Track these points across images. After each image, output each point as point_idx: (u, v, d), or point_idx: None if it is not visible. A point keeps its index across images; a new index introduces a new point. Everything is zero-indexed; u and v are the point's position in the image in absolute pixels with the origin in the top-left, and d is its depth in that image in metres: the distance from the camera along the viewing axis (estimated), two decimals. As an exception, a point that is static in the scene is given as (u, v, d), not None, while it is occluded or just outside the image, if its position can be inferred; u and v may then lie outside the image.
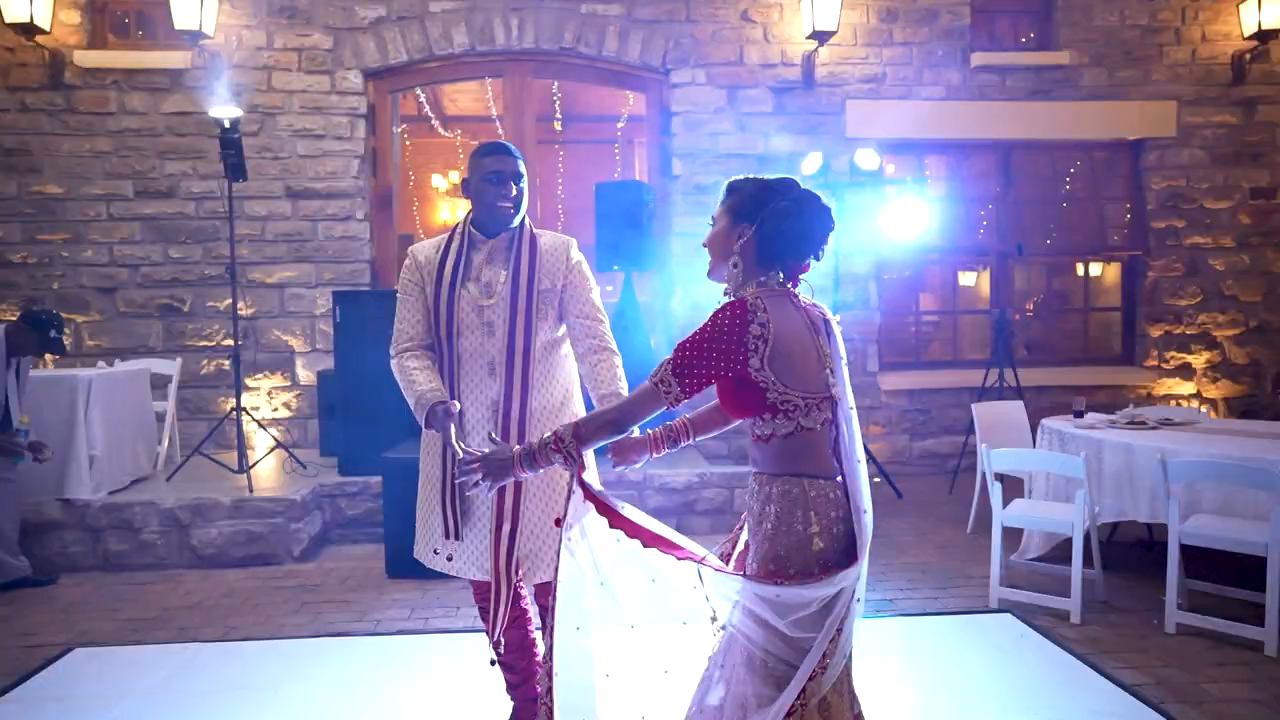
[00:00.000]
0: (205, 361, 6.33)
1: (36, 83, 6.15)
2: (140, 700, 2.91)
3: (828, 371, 1.70)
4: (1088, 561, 3.68)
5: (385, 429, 4.90)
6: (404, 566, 4.32)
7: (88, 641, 3.49)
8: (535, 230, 2.49)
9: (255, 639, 3.50)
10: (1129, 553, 4.49)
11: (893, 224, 5.70)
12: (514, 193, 2.37)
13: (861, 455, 1.74)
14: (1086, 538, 3.62)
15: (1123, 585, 4.00)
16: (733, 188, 1.82)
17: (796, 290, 1.77)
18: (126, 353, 6.21)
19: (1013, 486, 4.65)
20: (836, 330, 1.80)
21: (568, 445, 1.73)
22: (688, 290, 6.55)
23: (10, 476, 4.07)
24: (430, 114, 8.59)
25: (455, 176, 10.08)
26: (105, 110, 6.21)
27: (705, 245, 1.83)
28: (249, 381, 6.31)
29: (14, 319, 4.12)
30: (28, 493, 4.37)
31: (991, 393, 5.87)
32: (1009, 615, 3.67)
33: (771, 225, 1.70)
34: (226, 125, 5.02)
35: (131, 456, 4.96)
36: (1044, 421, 4.57)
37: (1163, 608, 3.48)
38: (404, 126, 8.45)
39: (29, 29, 5.88)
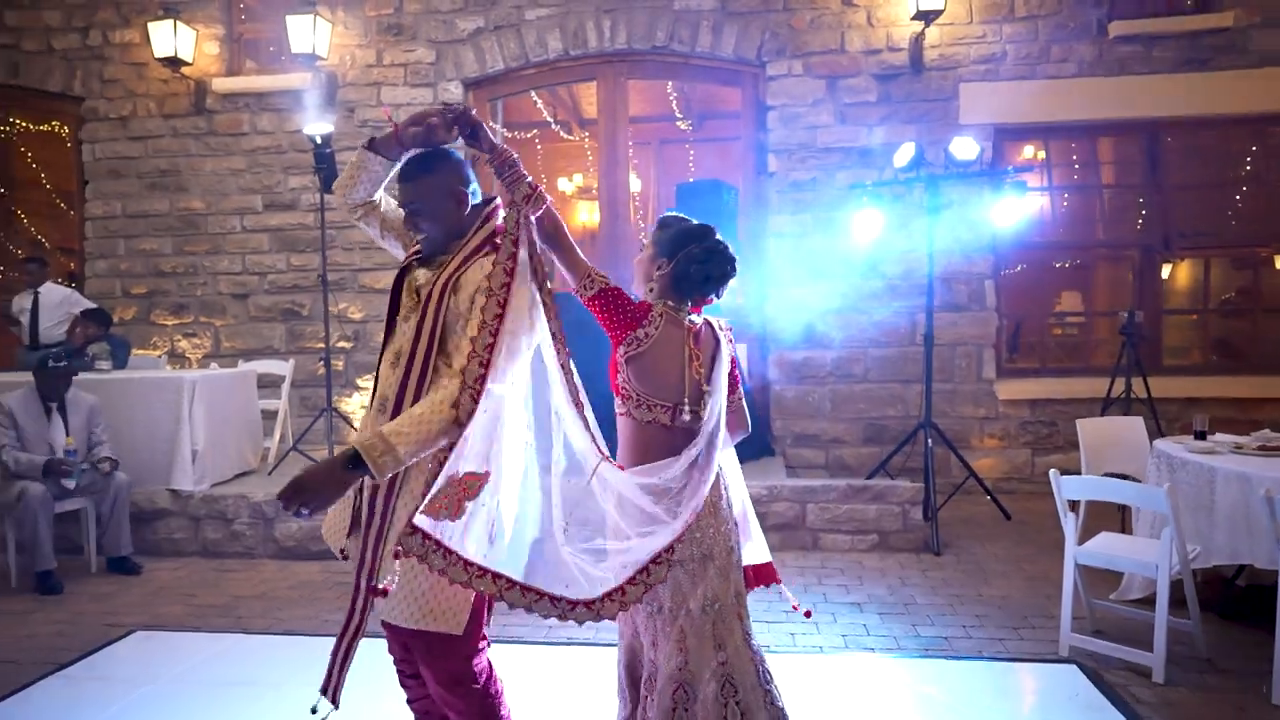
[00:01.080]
0: (320, 363, 6.77)
1: (184, 110, 6.82)
2: (164, 685, 3.13)
3: (691, 386, 2.08)
4: (1185, 609, 3.16)
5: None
6: (458, 568, 4.42)
7: (152, 625, 3.80)
8: None
9: (294, 633, 3.68)
10: (1258, 602, 3.81)
11: (1004, 217, 5.16)
12: None
13: (723, 439, 2.12)
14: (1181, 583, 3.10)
15: (1236, 641, 3.40)
16: (664, 223, 2.19)
17: (702, 311, 2.17)
18: (254, 354, 6.75)
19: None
20: (726, 348, 2.19)
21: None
22: (785, 291, 6.27)
23: (54, 492, 4.33)
24: (549, 118, 8.75)
25: (580, 179, 10.23)
26: (239, 131, 6.78)
27: (634, 263, 2.22)
28: (360, 381, 6.70)
29: (41, 368, 4.44)
30: (141, 483, 4.84)
31: (1119, 405, 5.20)
32: (1074, 667, 3.21)
33: (683, 267, 2.08)
34: (319, 140, 5.32)
35: (236, 451, 5.38)
36: (1156, 443, 3.97)
37: (1269, 672, 2.92)
38: (535, 132, 8.70)
39: (175, 62, 6.53)
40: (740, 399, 2.25)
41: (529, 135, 8.80)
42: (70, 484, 4.30)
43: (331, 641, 1.93)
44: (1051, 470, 3.36)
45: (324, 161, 5.36)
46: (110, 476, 4.49)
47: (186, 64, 6.61)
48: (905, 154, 5.20)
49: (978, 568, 4.48)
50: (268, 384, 6.40)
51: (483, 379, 1.74)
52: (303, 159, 6.71)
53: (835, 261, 6.12)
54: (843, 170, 6.20)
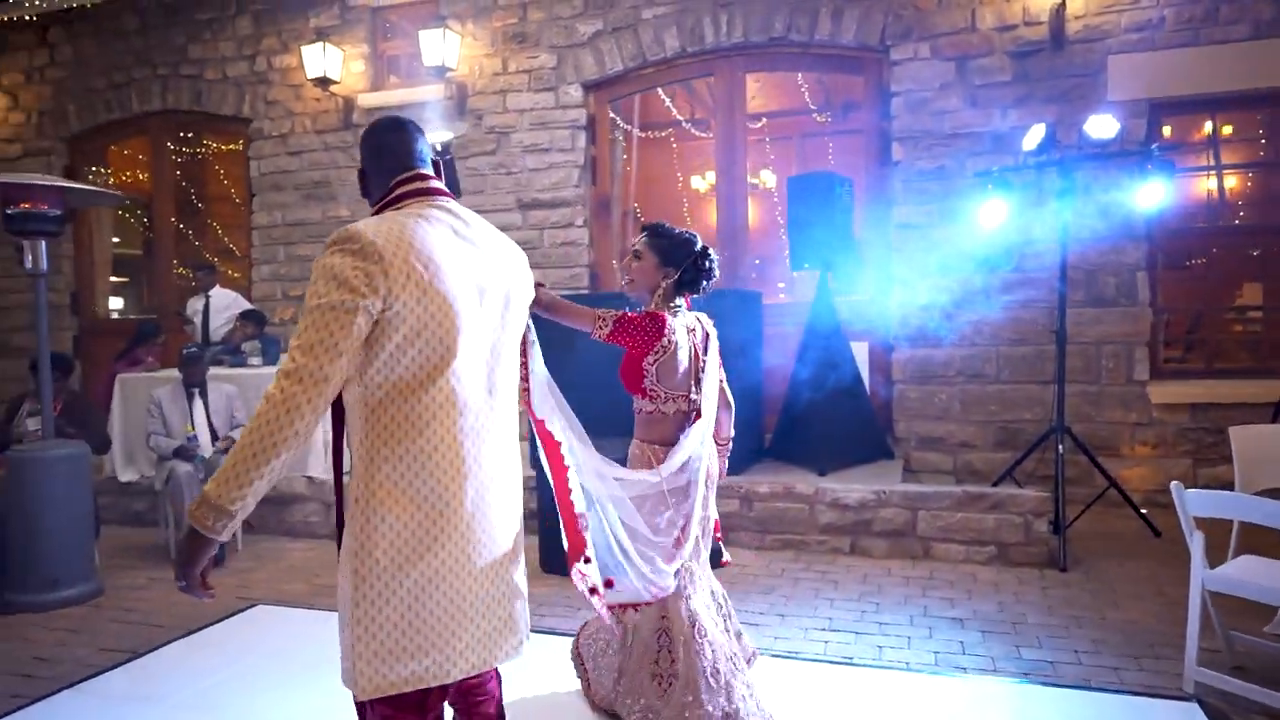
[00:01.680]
0: (452, 359, 7.12)
1: (334, 125, 7.36)
2: (264, 657, 3.39)
3: (695, 373, 2.55)
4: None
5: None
6: (555, 562, 4.52)
7: (273, 600, 4.14)
8: None
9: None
10: None
11: (1153, 200, 4.65)
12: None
13: (709, 422, 2.58)
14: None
15: None
16: (657, 232, 2.56)
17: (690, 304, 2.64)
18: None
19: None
20: (714, 342, 2.66)
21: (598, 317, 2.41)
22: (910, 286, 5.96)
23: (200, 474, 4.73)
24: (680, 118, 8.76)
25: (714, 177, 10.17)
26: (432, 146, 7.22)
27: (632, 276, 2.56)
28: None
29: (180, 357, 4.89)
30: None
31: (1294, 412, 4.56)
32: (1196, 705, 2.85)
33: (690, 274, 2.54)
34: (439, 147, 5.58)
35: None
36: (1321, 455, 3.46)
37: None
38: (670, 130, 8.75)
39: (325, 81, 7.06)
40: (724, 379, 2.72)
41: (663, 134, 8.85)
42: (189, 466, 4.74)
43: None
44: (1174, 483, 3.00)
45: (446, 168, 5.60)
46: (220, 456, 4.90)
47: (335, 82, 7.14)
48: (1035, 136, 4.80)
49: (1107, 588, 4.07)
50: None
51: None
52: (455, 167, 7.06)
53: (964, 254, 5.75)
54: (973, 157, 5.81)
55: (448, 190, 1.80)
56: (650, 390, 2.50)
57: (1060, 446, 4.72)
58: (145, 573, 4.71)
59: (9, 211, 4.04)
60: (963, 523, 4.55)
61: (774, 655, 3.37)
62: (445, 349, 1.59)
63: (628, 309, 2.48)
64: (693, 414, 2.57)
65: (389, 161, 1.76)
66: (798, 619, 3.78)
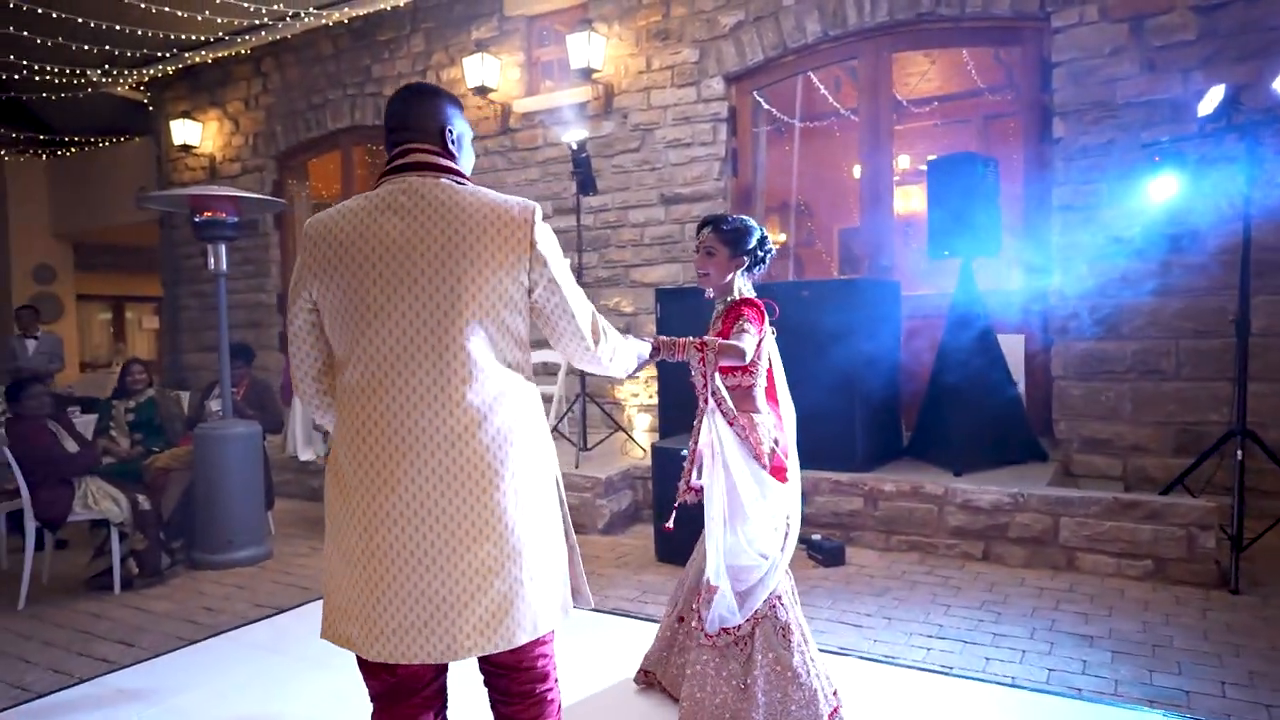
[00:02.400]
0: (599, 352, 7.33)
1: (493, 131, 7.80)
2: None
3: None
4: None
5: (689, 411, 5.18)
6: (672, 551, 4.57)
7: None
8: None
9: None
10: None
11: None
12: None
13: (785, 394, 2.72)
14: None
15: None
16: (721, 224, 2.65)
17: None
18: (545, 344, 7.51)
19: None
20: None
21: (710, 350, 2.35)
22: (1073, 273, 5.45)
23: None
24: (839, 106, 8.51)
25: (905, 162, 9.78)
26: (534, 146, 7.59)
27: (708, 270, 2.63)
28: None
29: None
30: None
31: None
32: (1354, 755, 2.43)
33: (759, 257, 2.68)
34: (574, 146, 5.78)
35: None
36: None
37: None
38: (832, 119, 8.54)
39: (483, 90, 7.50)
40: None
41: (824, 123, 8.63)
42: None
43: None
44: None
45: (581, 166, 5.81)
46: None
47: (493, 90, 7.56)
48: (1212, 99, 4.23)
49: (1285, 615, 3.55)
50: (551, 370, 7.10)
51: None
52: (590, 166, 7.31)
53: (1136, 236, 5.18)
54: (1148, 128, 5.21)
55: (434, 165, 1.72)
56: (756, 364, 2.58)
57: (1240, 452, 4.15)
58: (310, 542, 5.24)
59: (196, 220, 4.64)
60: (1113, 533, 4.12)
61: (864, 658, 3.23)
62: (356, 330, 1.63)
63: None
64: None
65: (389, 136, 1.77)
66: (905, 623, 3.59)
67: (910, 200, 8.95)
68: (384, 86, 8.40)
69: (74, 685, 3.23)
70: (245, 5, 7.41)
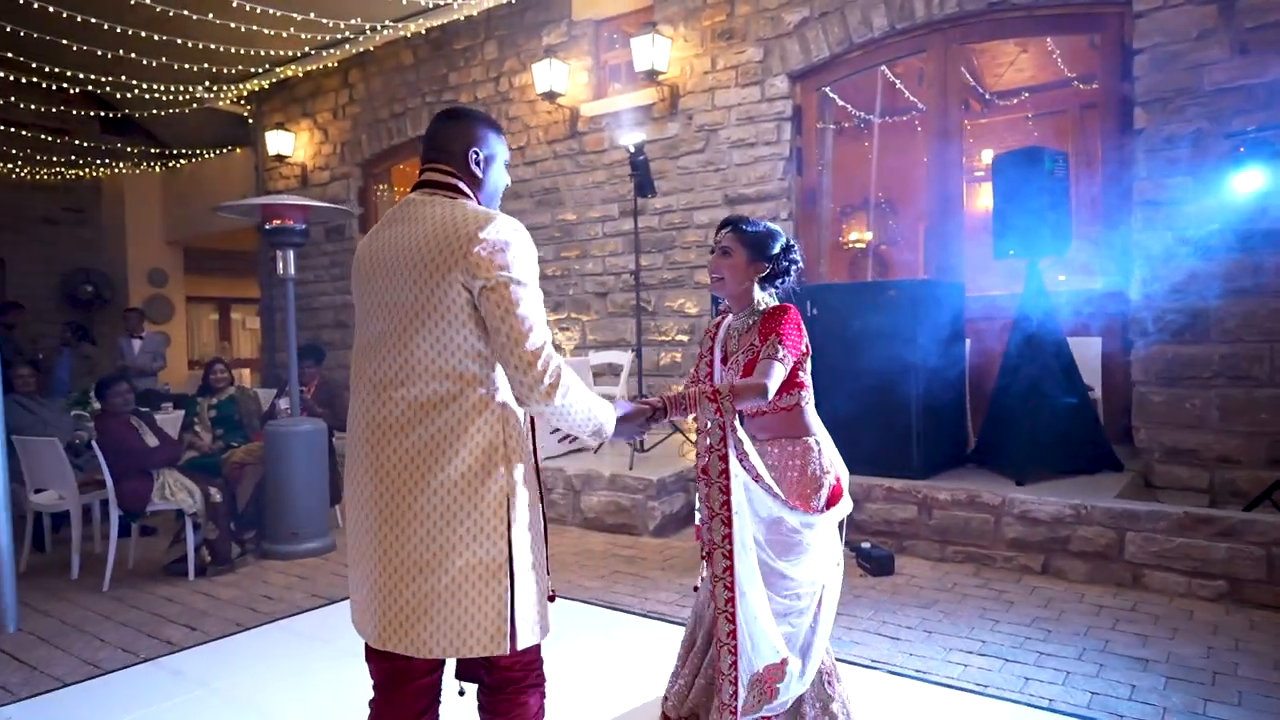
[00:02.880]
0: (663, 354, 7.35)
1: (561, 135, 7.92)
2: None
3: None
4: None
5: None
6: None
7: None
8: None
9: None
10: None
11: None
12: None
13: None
14: None
15: None
16: (742, 224, 2.40)
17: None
18: (612, 345, 7.57)
19: None
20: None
21: (722, 398, 2.07)
22: (1155, 272, 5.13)
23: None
24: (916, 100, 8.27)
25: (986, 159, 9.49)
26: (601, 149, 7.66)
27: (722, 273, 2.38)
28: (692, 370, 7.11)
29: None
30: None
31: None
32: None
33: (784, 265, 2.40)
34: (632, 150, 5.81)
35: (568, 430, 6.13)
36: None
37: None
38: (913, 114, 8.32)
39: (551, 95, 7.63)
40: None
41: (905, 118, 8.41)
42: None
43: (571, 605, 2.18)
44: None
45: (638, 169, 5.84)
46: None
47: (561, 95, 7.67)
48: (1301, 84, 3.92)
49: (1375, 645, 3.25)
50: (615, 371, 7.15)
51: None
52: (651, 168, 7.33)
53: (1226, 233, 4.83)
54: (1241, 115, 4.85)
55: (442, 183, 1.83)
56: (802, 379, 2.33)
57: (1332, 466, 3.83)
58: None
59: (266, 227, 4.89)
60: (1182, 549, 3.86)
61: (893, 672, 3.13)
62: (357, 330, 1.84)
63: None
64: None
65: (422, 155, 1.92)
66: (946, 638, 3.46)
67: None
68: (460, 94, 8.64)
69: (137, 664, 3.45)
70: (325, 22, 7.74)
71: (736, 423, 2.19)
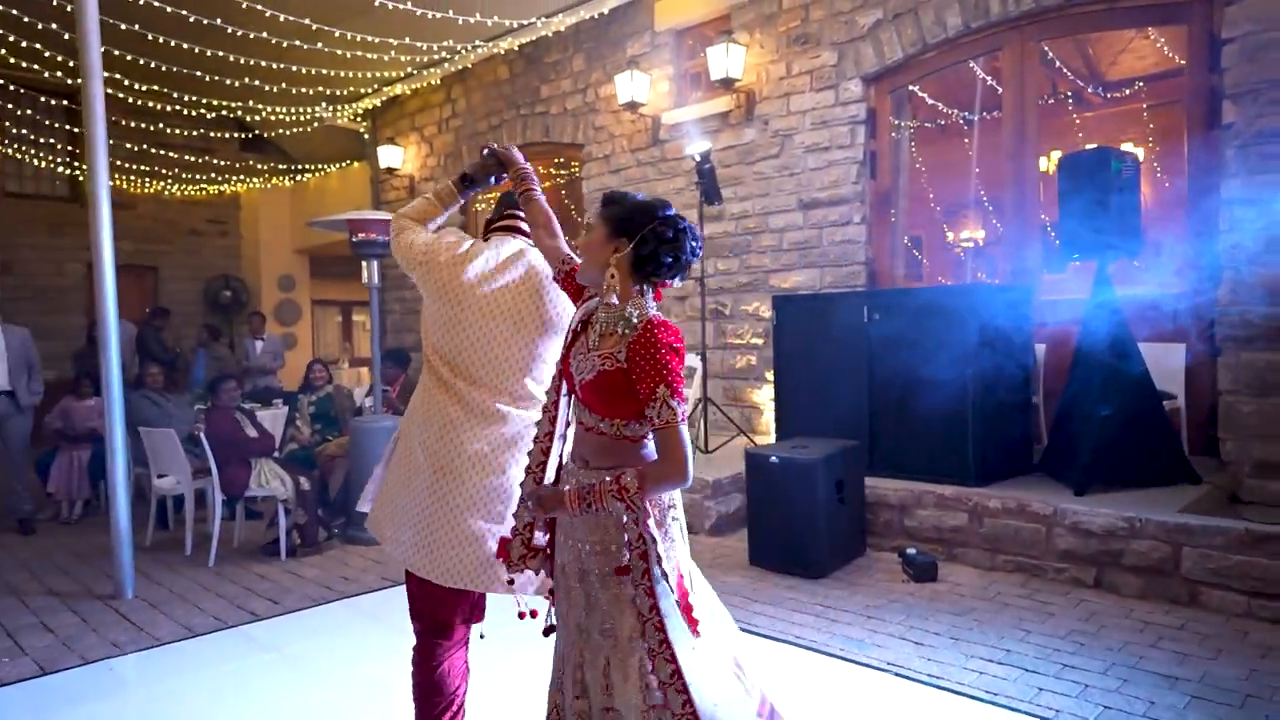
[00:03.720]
0: (738, 358, 7.44)
1: (644, 143, 8.14)
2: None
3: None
4: None
5: (803, 416, 5.26)
6: (763, 554, 4.64)
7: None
8: None
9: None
10: None
11: None
12: None
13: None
14: None
15: None
16: (610, 200, 1.89)
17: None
18: (690, 349, 7.73)
19: None
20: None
21: (632, 494, 1.70)
22: (1245, 276, 4.85)
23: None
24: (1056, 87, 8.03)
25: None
26: (680, 156, 7.82)
27: (582, 251, 1.93)
28: (767, 374, 7.18)
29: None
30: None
31: None
32: None
33: (648, 249, 1.78)
34: (697, 158, 5.96)
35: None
36: None
37: None
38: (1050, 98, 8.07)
39: (633, 105, 7.86)
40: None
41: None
42: None
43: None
44: None
45: (704, 177, 5.98)
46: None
47: (642, 104, 7.89)
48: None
49: None
50: (687, 375, 7.31)
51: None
52: (728, 174, 7.44)
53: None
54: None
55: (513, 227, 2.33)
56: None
57: None
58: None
59: (354, 239, 5.34)
60: (1242, 568, 3.68)
61: (901, 675, 3.17)
62: None
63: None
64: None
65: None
66: (971, 645, 3.46)
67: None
68: (550, 105, 9.01)
69: (224, 630, 3.91)
70: (420, 45, 8.25)
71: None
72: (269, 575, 4.78)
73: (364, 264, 5.42)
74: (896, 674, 3.18)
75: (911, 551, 4.42)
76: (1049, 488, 4.64)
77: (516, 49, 9.01)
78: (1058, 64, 7.97)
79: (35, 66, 8.12)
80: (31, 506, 6.08)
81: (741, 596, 4.14)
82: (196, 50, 7.97)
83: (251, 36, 7.67)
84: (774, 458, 4.55)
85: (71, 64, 6.47)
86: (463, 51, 8.99)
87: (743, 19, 7.27)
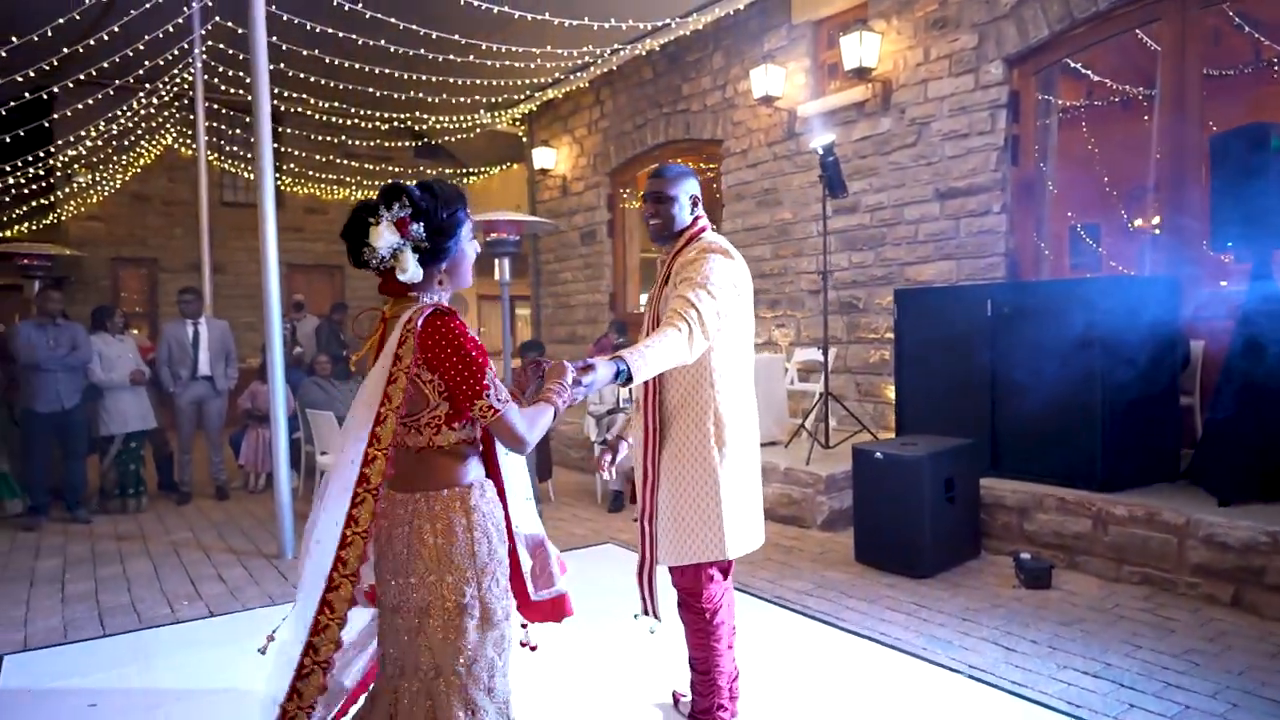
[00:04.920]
0: (872, 352, 7.29)
1: (780, 137, 8.11)
2: (585, 584, 4.31)
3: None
4: None
5: (924, 412, 5.13)
6: (868, 551, 4.60)
7: (622, 543, 5.09)
8: (694, 242, 2.66)
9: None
10: None
11: None
12: (651, 213, 2.68)
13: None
14: None
15: None
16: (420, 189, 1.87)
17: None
18: (821, 342, 7.65)
19: None
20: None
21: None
22: None
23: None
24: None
25: None
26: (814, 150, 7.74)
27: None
28: (901, 371, 7.00)
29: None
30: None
31: None
32: None
33: (413, 230, 1.81)
34: (821, 151, 5.91)
35: (762, 425, 6.38)
36: None
37: None
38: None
39: (768, 99, 7.87)
40: None
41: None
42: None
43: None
44: None
45: (827, 169, 5.92)
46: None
47: (778, 98, 7.87)
48: None
49: None
50: (819, 368, 7.25)
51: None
52: (862, 165, 7.30)
53: None
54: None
55: None
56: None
57: None
58: (573, 509, 6.13)
59: (487, 239, 5.73)
60: (1404, 594, 3.26)
61: (978, 679, 3.08)
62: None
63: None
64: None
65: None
66: (1068, 656, 3.29)
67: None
68: (691, 103, 9.16)
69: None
70: (560, 52, 8.63)
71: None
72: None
73: (496, 262, 5.80)
74: (972, 677, 3.10)
75: (1025, 556, 4.23)
76: (1191, 497, 4.27)
77: (659, 48, 9.21)
78: (1246, 30, 7.17)
79: (241, 91, 9.22)
80: (226, 476, 7.00)
81: (837, 591, 4.13)
82: (368, 70, 8.78)
83: (412, 54, 8.34)
84: (879, 454, 4.48)
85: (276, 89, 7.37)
86: (606, 55, 9.30)
87: (880, 6, 7.09)
